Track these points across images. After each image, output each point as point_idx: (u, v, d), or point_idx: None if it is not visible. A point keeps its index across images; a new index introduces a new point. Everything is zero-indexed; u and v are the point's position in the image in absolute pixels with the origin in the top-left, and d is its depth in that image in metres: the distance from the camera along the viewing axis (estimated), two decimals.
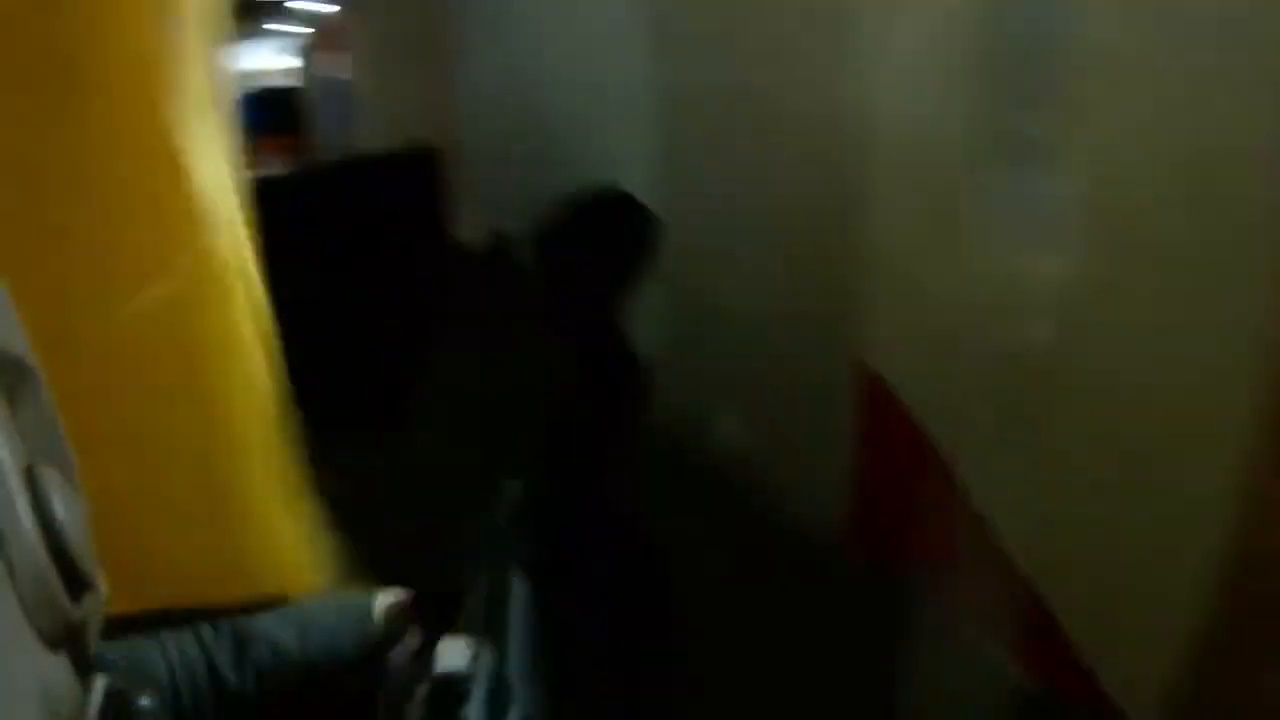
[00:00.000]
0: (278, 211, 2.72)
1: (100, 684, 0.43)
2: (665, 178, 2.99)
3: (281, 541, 1.36)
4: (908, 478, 1.93)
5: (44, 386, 0.43)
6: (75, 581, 0.40)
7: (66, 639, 0.39)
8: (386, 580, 1.14)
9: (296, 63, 14.62)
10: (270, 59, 21.49)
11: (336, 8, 10.33)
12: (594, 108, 3.65)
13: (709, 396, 2.68)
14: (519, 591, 1.14)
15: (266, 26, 20.05)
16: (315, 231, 2.90)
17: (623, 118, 3.30)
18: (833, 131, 2.14)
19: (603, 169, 3.53)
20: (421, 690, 0.98)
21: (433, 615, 1.07)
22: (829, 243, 2.17)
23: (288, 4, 14.62)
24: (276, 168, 12.87)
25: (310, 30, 13.13)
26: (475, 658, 0.97)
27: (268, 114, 15.46)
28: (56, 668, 0.38)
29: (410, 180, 3.04)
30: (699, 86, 2.76)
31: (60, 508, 0.39)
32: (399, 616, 1.06)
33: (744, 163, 2.51)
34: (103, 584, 0.43)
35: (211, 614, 0.96)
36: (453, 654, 0.97)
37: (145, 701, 0.47)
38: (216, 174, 1.38)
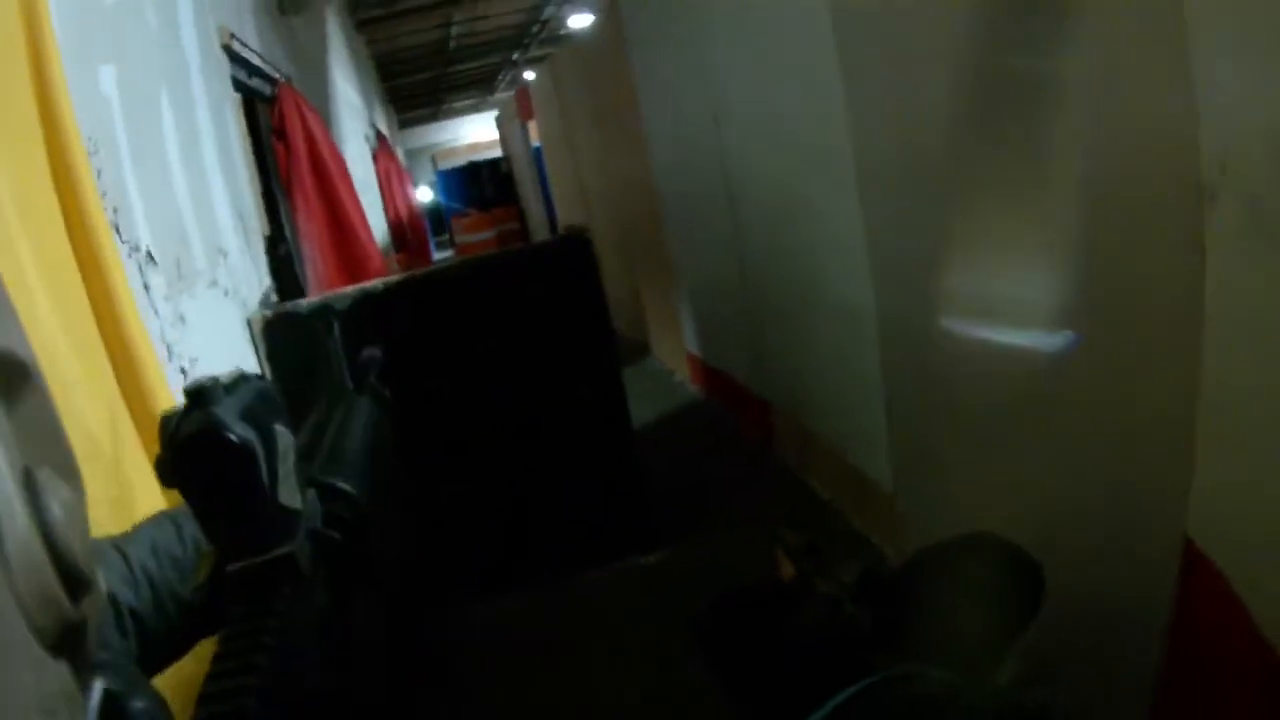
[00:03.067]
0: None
1: (99, 686, 0.43)
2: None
3: None
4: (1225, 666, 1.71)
5: (44, 385, 0.42)
6: (74, 583, 0.39)
7: (65, 641, 0.39)
8: None
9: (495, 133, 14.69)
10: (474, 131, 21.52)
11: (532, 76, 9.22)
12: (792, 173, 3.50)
13: None
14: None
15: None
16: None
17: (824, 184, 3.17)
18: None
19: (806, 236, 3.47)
20: None
21: None
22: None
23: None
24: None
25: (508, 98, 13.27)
26: None
27: (471, 190, 14.41)
28: (55, 670, 0.38)
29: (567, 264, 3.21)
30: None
31: (59, 509, 0.39)
32: None
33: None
34: (102, 585, 0.43)
35: None
36: None
37: (141, 703, 0.49)
38: None
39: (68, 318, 1.47)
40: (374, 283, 3.04)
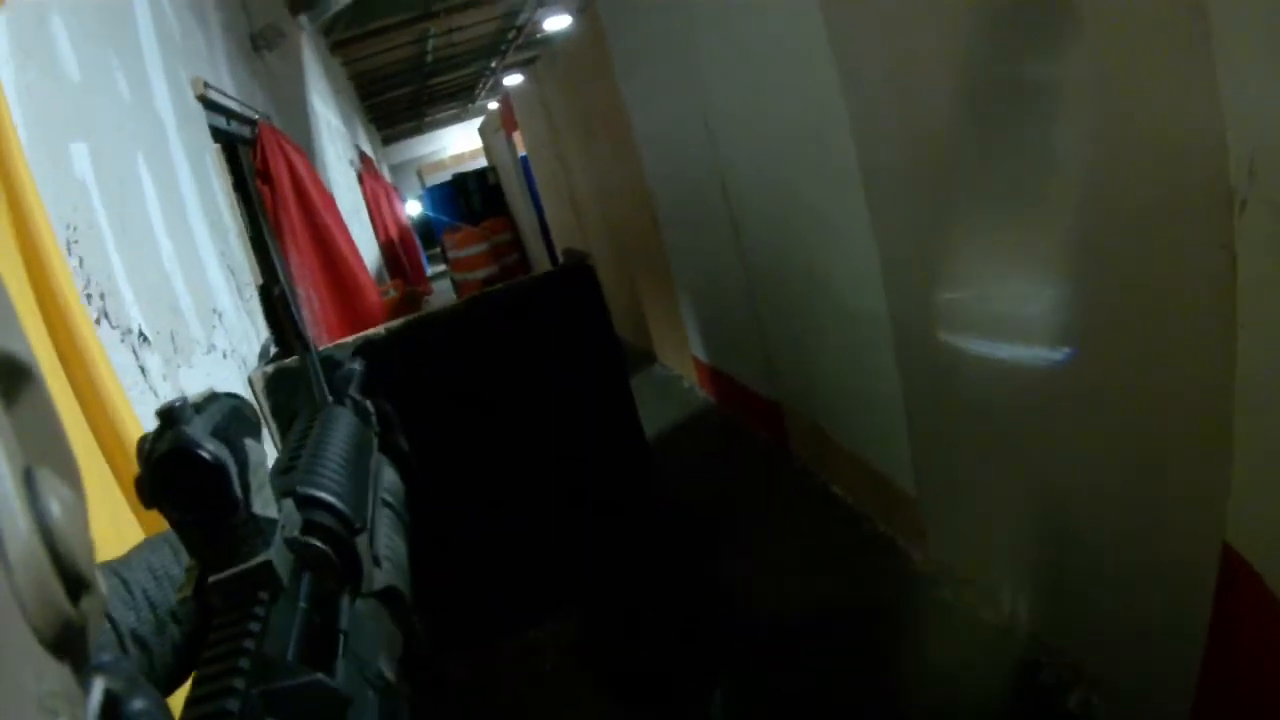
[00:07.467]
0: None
1: (99, 686, 0.44)
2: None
3: None
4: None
5: (44, 386, 0.42)
6: (74, 583, 0.40)
7: (65, 641, 0.39)
8: None
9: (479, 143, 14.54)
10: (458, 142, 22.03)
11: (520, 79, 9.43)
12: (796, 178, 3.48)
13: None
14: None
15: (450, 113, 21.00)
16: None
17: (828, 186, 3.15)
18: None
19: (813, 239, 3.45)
20: None
21: None
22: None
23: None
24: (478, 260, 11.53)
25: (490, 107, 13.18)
26: None
27: (459, 203, 13.91)
28: (55, 670, 0.39)
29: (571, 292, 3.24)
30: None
31: (59, 509, 0.39)
32: None
33: None
34: (102, 585, 0.44)
35: None
36: None
37: (141, 703, 0.50)
38: None
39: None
40: (377, 329, 2.98)
